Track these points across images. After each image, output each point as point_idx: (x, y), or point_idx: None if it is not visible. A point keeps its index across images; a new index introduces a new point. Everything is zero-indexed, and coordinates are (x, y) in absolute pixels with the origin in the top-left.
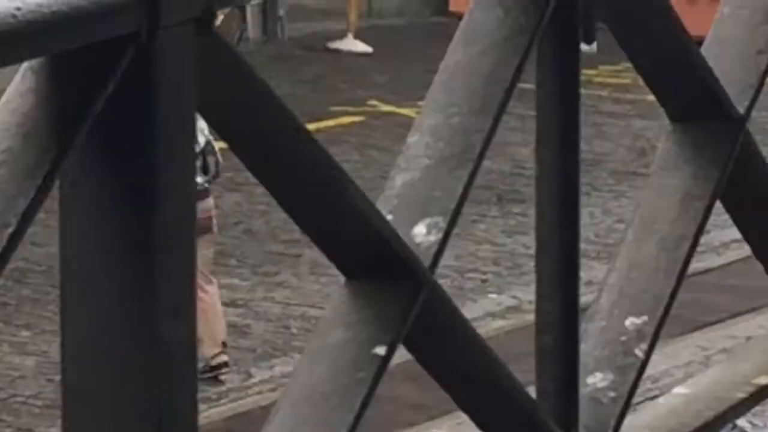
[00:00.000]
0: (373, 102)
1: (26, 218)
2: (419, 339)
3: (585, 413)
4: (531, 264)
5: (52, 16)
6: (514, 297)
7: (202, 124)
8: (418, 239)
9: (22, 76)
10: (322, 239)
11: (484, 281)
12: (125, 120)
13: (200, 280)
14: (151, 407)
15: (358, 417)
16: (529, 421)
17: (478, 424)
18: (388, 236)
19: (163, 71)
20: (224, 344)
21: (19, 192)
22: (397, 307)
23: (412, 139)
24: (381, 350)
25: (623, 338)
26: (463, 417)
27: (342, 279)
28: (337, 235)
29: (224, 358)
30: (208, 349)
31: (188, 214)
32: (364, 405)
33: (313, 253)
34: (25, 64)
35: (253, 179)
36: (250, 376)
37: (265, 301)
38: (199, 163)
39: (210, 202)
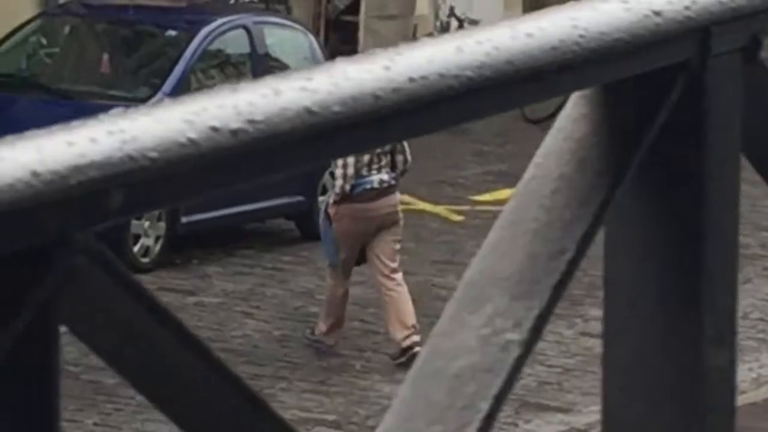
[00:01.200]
0: None
1: (584, 244)
2: None
3: None
4: None
5: (613, 43)
6: None
7: None
8: None
9: (575, 103)
10: None
11: None
12: (674, 148)
13: (386, 270)
14: None
15: None
16: None
17: None
18: None
19: (713, 100)
20: (414, 327)
21: (575, 218)
22: None
23: None
24: None
25: None
26: None
27: None
28: None
29: (415, 338)
30: (398, 333)
31: (733, 242)
32: None
33: None
34: (577, 92)
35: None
36: None
37: None
38: (386, 160)
39: (396, 197)
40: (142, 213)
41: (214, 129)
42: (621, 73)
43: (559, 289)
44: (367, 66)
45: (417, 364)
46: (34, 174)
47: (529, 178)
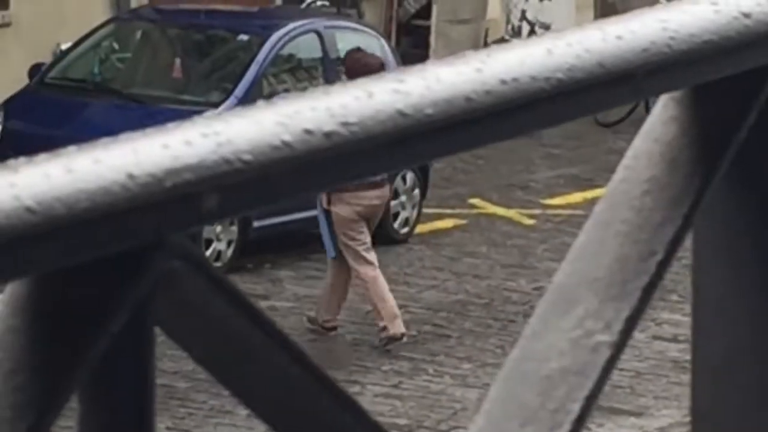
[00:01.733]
0: None
1: (674, 247)
2: None
3: None
4: None
5: (703, 45)
6: None
7: None
8: None
9: (664, 105)
10: None
11: None
12: (763, 150)
13: (365, 255)
14: None
15: None
16: None
17: None
18: None
19: None
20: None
21: (665, 220)
22: None
23: None
24: None
25: None
26: None
27: None
28: None
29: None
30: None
31: None
32: None
33: None
34: (666, 94)
35: None
36: None
37: None
38: None
39: (385, 190)
40: (236, 215)
41: (308, 131)
42: (710, 75)
43: (648, 291)
44: (459, 68)
45: (507, 365)
46: (131, 176)
47: (619, 179)
